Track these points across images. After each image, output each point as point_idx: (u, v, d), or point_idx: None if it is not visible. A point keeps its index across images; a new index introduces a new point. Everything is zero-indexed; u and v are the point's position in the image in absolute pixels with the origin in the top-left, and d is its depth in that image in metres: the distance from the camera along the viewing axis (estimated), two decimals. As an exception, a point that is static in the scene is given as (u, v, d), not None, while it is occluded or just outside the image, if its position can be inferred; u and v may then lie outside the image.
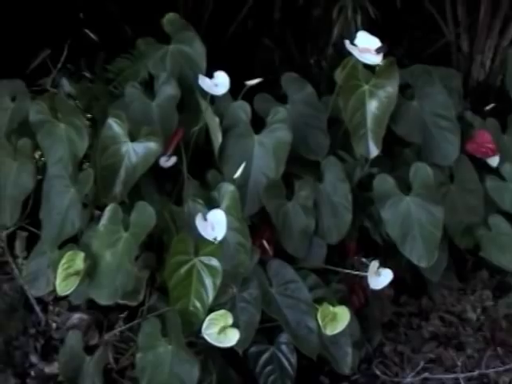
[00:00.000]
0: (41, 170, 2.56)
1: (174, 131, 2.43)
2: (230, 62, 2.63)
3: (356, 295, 2.57)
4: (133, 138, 2.40)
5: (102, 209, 2.45)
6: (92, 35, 2.96)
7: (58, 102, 2.46)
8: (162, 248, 2.44)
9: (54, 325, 2.50)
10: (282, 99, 2.68)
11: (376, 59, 2.45)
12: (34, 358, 2.47)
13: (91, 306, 2.48)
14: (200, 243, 2.26)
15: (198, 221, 2.24)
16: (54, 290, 2.45)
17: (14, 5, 3.05)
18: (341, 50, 3.13)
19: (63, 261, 2.28)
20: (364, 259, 2.56)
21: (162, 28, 2.94)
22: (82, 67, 3.03)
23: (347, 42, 2.46)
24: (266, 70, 3.29)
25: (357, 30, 3.00)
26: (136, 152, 2.38)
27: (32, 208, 2.52)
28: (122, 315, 2.46)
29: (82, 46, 2.92)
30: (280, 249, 2.50)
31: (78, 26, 3.10)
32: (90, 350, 2.40)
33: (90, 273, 2.30)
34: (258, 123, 2.56)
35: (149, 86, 2.60)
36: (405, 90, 2.69)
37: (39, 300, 2.53)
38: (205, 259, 2.25)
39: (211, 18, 3.19)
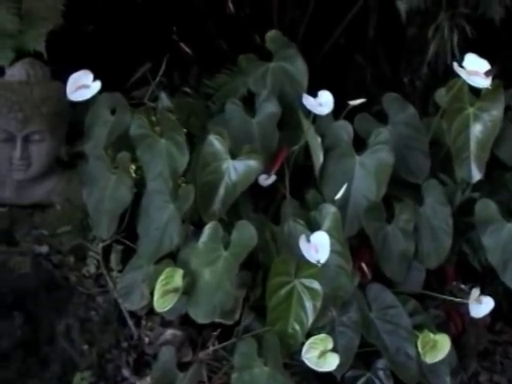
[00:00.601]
0: (137, 183, 2.56)
1: (279, 150, 2.40)
2: (323, 78, 2.62)
3: (453, 322, 2.51)
4: (233, 155, 2.38)
5: (197, 225, 2.44)
6: (187, 49, 2.97)
7: (159, 117, 2.46)
8: (257, 266, 2.42)
9: (146, 339, 2.49)
10: (375, 117, 2.64)
11: (485, 82, 2.40)
12: (126, 372, 2.46)
13: (184, 321, 2.47)
14: (301, 265, 2.23)
15: (302, 243, 2.21)
16: (148, 305, 2.46)
17: (112, 18, 3.07)
18: (435, 69, 3.12)
19: (162, 277, 2.26)
20: (462, 285, 2.51)
21: (257, 43, 2.93)
22: (176, 81, 3.04)
23: (455, 65, 2.41)
24: (357, 88, 3.26)
25: (452, 50, 2.98)
26: (236, 169, 2.36)
27: (128, 221, 2.51)
28: (215, 333, 2.44)
29: (176, 60, 2.92)
30: (377, 272, 2.46)
31: (173, 39, 3.12)
32: (182, 366, 2.39)
33: (189, 290, 2.28)
34: (358, 143, 2.53)
35: (248, 103, 2.58)
36: (507, 112, 2.63)
37: (132, 314, 2.51)
38: (306, 281, 2.23)
39: (305, 34, 3.17)
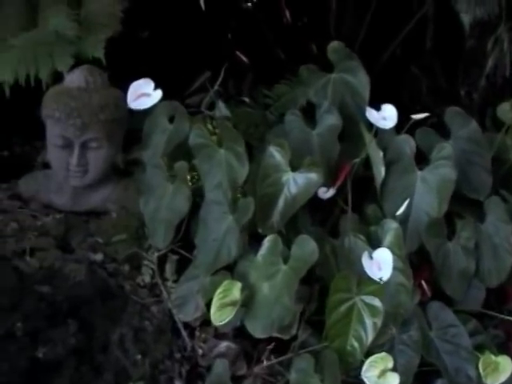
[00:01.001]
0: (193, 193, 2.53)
1: (343, 165, 2.37)
2: (378, 89, 2.58)
3: (513, 343, 2.47)
4: (292, 167, 2.35)
5: (253, 237, 2.41)
6: (243, 57, 2.94)
7: (219, 126, 2.43)
8: (314, 280, 2.39)
9: (200, 351, 2.46)
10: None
11: (553, 99, 2.35)
12: (178, 384, 2.44)
13: (238, 334, 2.44)
14: (362, 281, 2.20)
15: (364, 259, 2.18)
16: (202, 316, 2.44)
17: (168, 24, 3.06)
18: (494, 82, 3.07)
19: (219, 290, 2.24)
20: (523, 305, 2.47)
21: (314, 53, 2.90)
22: (230, 89, 3.02)
23: (522, 81, 2.36)
24: (413, 100, 3.23)
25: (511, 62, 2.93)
26: (296, 182, 2.33)
27: (184, 231, 2.49)
28: (269, 346, 2.41)
29: (231, 68, 2.90)
30: (435, 290, 2.42)
31: (229, 47, 3.09)
32: (236, 380, 2.36)
33: (246, 303, 2.26)
34: (419, 157, 2.49)
35: (307, 114, 2.55)
36: None
37: (186, 325, 2.48)
38: (366, 298, 2.20)
39: (362, 45, 3.14)
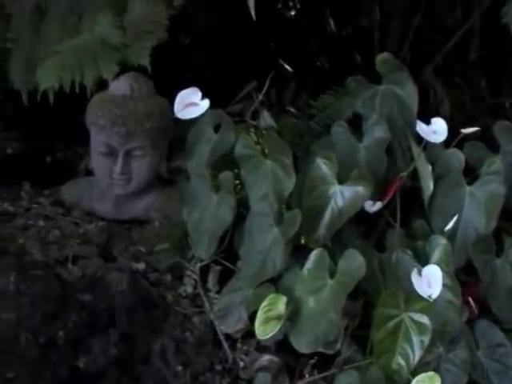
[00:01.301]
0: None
1: (392, 180, 2.34)
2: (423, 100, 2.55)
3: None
4: (339, 179, 2.32)
5: (297, 249, 2.39)
6: (287, 66, 2.92)
7: (265, 137, 2.41)
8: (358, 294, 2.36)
9: (241, 363, 2.43)
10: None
11: None
12: (219, 396, 2.41)
13: (280, 347, 2.41)
14: (410, 298, 2.16)
15: (414, 276, 2.15)
16: (244, 328, 2.41)
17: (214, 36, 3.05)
18: (540, 94, 3.04)
19: (264, 303, 2.22)
20: None
21: (357, 63, 2.87)
22: (272, 98, 2.99)
23: None
24: (456, 110, 3.19)
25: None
26: (343, 195, 2.30)
27: (228, 242, 2.46)
28: (312, 360, 2.38)
29: (273, 76, 2.87)
30: (482, 308, 2.38)
31: (272, 56, 3.07)
32: (278, 394, 2.34)
33: (291, 317, 2.23)
34: (467, 171, 2.45)
35: (353, 126, 2.52)
36: None
37: (227, 336, 2.46)
38: (414, 316, 2.16)
39: (407, 57, 3.11)
